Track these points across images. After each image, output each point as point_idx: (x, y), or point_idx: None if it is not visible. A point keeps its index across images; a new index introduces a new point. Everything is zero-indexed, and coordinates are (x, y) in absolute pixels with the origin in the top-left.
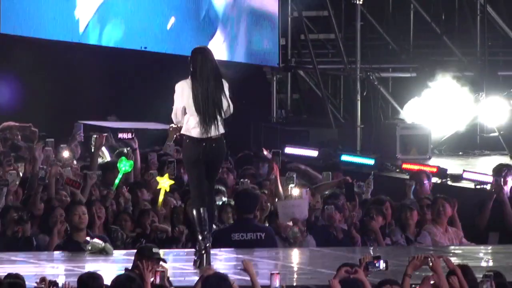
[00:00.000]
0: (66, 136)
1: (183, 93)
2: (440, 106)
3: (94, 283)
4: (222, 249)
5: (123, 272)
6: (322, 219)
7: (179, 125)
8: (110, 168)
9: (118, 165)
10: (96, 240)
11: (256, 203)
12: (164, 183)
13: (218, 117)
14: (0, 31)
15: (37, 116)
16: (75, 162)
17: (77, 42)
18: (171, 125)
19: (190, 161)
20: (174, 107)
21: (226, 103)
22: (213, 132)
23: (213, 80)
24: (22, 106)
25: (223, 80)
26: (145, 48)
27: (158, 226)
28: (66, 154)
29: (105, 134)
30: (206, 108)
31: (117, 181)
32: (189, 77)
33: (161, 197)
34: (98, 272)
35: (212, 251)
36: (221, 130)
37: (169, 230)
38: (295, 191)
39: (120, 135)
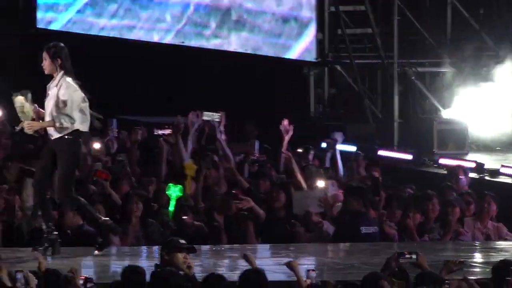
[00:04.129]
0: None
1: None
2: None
3: (137, 277)
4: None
5: (152, 267)
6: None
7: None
8: None
9: (167, 193)
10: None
11: (367, 197)
12: (190, 168)
13: None
14: (36, 25)
15: None
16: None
17: (113, 37)
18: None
19: (78, 157)
20: (75, 103)
21: None
22: None
23: None
24: None
25: None
26: (183, 42)
27: (194, 223)
28: (97, 146)
29: (139, 130)
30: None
31: (171, 208)
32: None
33: (188, 184)
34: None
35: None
36: None
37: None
38: (320, 183)
39: (160, 132)
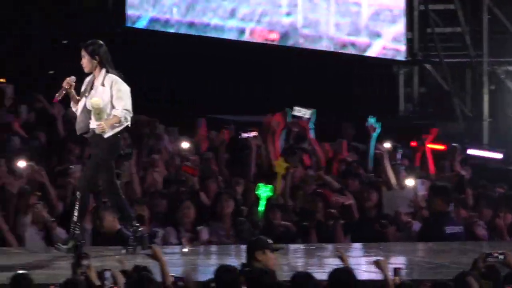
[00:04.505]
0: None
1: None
2: None
3: (230, 276)
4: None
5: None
6: None
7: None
8: None
9: (257, 193)
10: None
11: (451, 196)
12: (280, 166)
13: None
14: (125, 24)
15: (162, 110)
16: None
17: (203, 36)
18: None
19: (117, 154)
20: (129, 99)
21: None
22: None
23: None
24: (148, 100)
25: None
26: (272, 41)
27: (281, 223)
28: (185, 145)
29: (226, 130)
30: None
31: (261, 208)
32: (108, 71)
33: (278, 183)
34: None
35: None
36: None
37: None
38: (409, 182)
39: (244, 135)
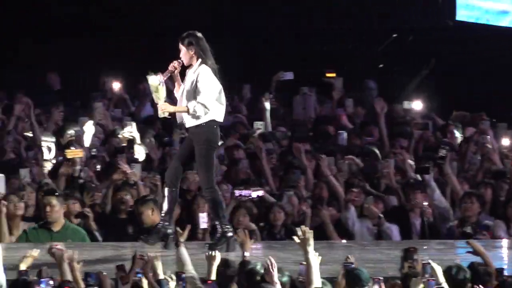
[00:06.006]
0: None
1: (215, 79)
2: None
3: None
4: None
5: None
6: None
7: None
8: None
9: None
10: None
11: None
12: None
13: None
14: (455, 18)
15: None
16: None
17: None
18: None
19: (214, 145)
20: (211, 92)
21: None
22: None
23: None
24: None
25: None
26: None
27: None
28: (506, 142)
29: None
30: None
31: None
32: (203, 62)
33: None
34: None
35: None
36: None
37: None
38: None
39: None
